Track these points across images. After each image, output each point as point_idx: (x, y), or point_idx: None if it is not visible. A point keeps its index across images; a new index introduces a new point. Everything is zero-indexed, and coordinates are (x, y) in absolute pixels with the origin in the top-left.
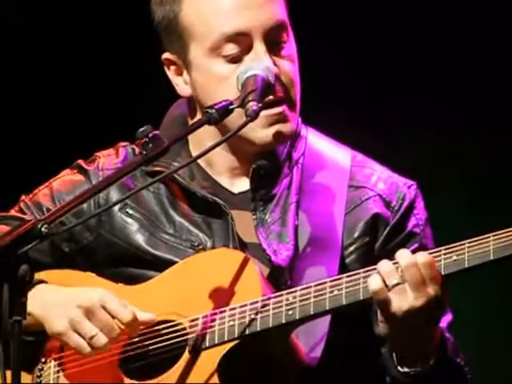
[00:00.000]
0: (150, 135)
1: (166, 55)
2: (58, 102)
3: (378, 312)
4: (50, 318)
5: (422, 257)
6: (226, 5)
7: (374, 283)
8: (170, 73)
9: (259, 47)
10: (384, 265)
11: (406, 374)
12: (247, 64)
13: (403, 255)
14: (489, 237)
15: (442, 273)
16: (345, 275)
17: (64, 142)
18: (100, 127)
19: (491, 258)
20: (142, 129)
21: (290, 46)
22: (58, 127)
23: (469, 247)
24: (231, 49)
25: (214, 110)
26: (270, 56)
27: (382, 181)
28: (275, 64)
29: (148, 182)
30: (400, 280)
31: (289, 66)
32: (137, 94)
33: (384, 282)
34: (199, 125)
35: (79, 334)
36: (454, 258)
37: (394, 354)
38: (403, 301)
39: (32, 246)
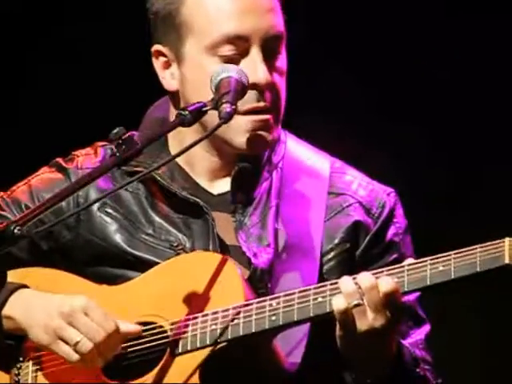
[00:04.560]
0: (124, 137)
1: (157, 47)
2: (37, 99)
3: (337, 327)
4: (35, 328)
5: (385, 283)
6: (230, 6)
7: (338, 303)
8: (158, 65)
9: (256, 54)
10: (346, 284)
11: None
12: (221, 66)
13: (364, 278)
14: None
15: (406, 289)
16: (328, 283)
17: (41, 140)
18: (76, 126)
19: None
20: (115, 130)
21: (283, 59)
22: (35, 125)
23: (456, 258)
24: (228, 50)
25: (187, 112)
26: (265, 63)
27: (362, 187)
28: (266, 72)
29: (126, 180)
30: (360, 301)
31: (279, 78)
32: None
33: (345, 302)
34: (173, 126)
35: (65, 342)
36: (441, 268)
37: (350, 370)
38: (362, 322)
39: (4, 250)
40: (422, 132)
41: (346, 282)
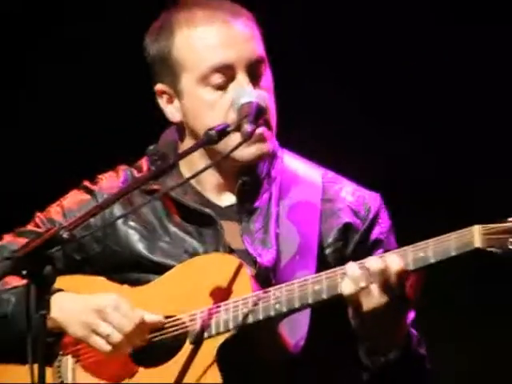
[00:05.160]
0: (160, 154)
1: (158, 86)
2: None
3: (349, 310)
4: (72, 325)
5: (394, 261)
6: (213, 40)
7: (347, 288)
8: (162, 101)
9: (242, 78)
10: (353, 270)
11: (375, 364)
12: (243, 90)
13: (373, 261)
14: (450, 235)
15: (411, 268)
16: (324, 273)
17: (41, 140)
18: (76, 126)
19: (452, 253)
20: (151, 147)
21: (268, 78)
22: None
23: (433, 245)
24: (217, 78)
25: (213, 132)
26: (251, 84)
27: (350, 194)
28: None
29: (147, 199)
30: (367, 283)
31: (266, 95)
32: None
33: (354, 286)
34: (201, 145)
35: (98, 335)
36: (421, 254)
37: (364, 345)
38: (370, 301)
39: (55, 249)
40: (410, 136)
41: (352, 268)
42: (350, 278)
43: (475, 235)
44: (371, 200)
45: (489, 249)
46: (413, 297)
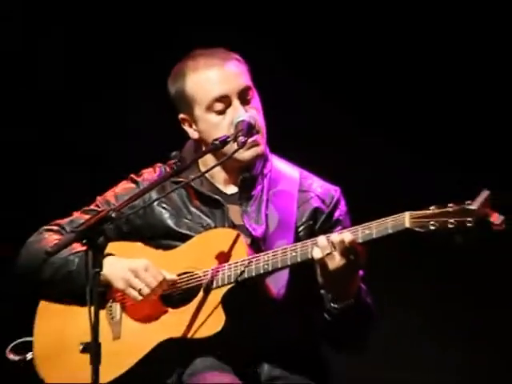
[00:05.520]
0: (179, 157)
1: (180, 115)
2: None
3: (317, 269)
4: (115, 280)
5: (348, 236)
6: (213, 80)
7: (317, 253)
8: (185, 126)
9: (236, 103)
10: (322, 241)
11: (336, 308)
12: (237, 112)
13: (334, 235)
14: (387, 219)
15: (359, 241)
16: (299, 243)
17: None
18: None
19: (389, 231)
20: (174, 153)
21: (256, 100)
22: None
23: (376, 224)
24: (218, 105)
25: (218, 142)
26: (243, 107)
27: (319, 186)
28: (246, 111)
29: (174, 187)
30: (331, 250)
31: (255, 113)
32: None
33: (322, 252)
34: (209, 150)
35: (133, 288)
36: (367, 231)
37: (328, 295)
38: (332, 263)
39: (107, 224)
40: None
41: (321, 240)
42: (319, 246)
43: (406, 218)
44: (334, 191)
45: (416, 229)
46: (362, 261)
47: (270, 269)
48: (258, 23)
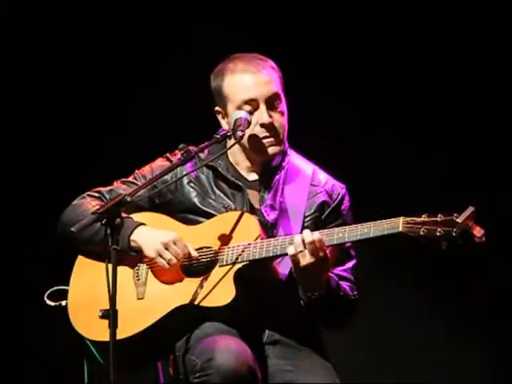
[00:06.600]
0: (185, 149)
1: (216, 108)
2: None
3: (292, 265)
4: (146, 248)
5: (317, 236)
6: (245, 83)
7: (291, 250)
8: (219, 117)
9: (262, 107)
10: (296, 239)
11: (307, 298)
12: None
13: (306, 234)
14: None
15: (327, 244)
16: (280, 237)
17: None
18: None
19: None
20: (181, 145)
21: (283, 106)
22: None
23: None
24: (247, 107)
25: (219, 136)
26: (268, 112)
27: (328, 183)
28: (271, 116)
29: (203, 168)
30: (303, 248)
31: (280, 117)
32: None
33: (295, 249)
34: (212, 143)
35: (162, 258)
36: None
37: (301, 287)
38: (304, 260)
39: (122, 210)
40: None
41: (296, 238)
42: (294, 244)
43: (400, 223)
44: (340, 188)
45: (410, 234)
46: (331, 260)
47: (279, 253)
48: (259, 23)
